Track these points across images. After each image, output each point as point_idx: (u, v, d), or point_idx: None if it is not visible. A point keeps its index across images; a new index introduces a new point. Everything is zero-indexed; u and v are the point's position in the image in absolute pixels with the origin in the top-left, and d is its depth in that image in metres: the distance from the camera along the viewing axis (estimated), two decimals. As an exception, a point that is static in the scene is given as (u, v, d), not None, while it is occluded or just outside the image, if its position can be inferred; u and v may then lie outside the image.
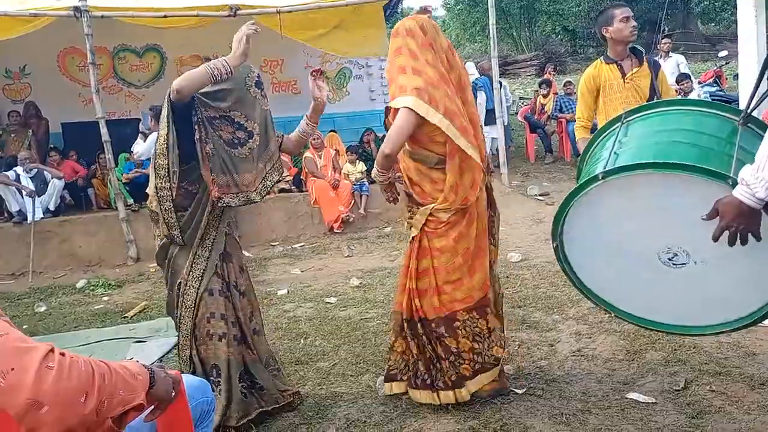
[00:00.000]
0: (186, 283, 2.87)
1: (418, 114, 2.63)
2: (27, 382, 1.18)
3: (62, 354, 1.25)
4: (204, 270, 2.88)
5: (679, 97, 5.35)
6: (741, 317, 2.09)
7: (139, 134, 6.05)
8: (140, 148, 5.65)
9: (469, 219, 2.80)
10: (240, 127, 2.81)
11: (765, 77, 2.07)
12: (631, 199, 2.05)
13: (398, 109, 2.67)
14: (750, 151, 1.96)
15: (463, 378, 2.86)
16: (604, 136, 2.36)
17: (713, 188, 1.81)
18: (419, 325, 2.88)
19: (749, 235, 1.69)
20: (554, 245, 2.23)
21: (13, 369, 1.18)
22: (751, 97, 2.08)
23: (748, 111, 2.05)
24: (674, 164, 1.90)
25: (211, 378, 2.83)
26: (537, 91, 11.33)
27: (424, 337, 2.88)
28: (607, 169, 2.00)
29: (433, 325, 2.85)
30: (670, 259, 2.06)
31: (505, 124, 10.21)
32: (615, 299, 2.29)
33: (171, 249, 2.91)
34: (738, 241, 1.70)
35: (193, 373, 2.78)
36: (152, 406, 1.47)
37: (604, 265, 2.23)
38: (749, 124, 2.06)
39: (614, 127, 2.31)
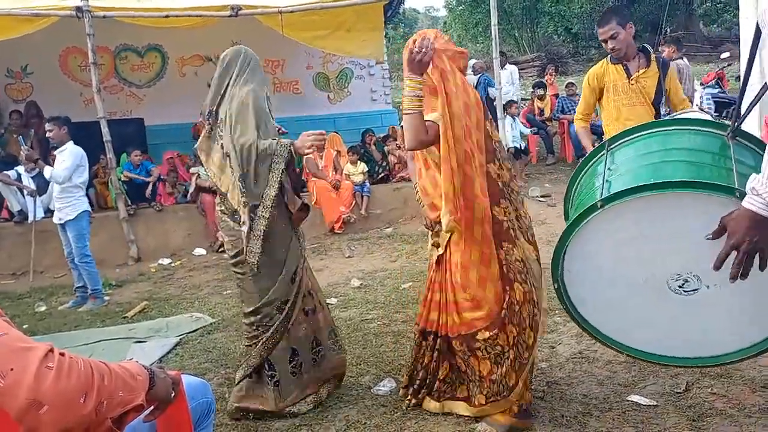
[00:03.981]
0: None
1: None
2: (26, 381, 1.18)
3: (62, 354, 1.25)
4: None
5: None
6: None
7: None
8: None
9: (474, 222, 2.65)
10: None
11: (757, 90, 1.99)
12: (633, 225, 1.92)
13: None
14: (746, 163, 1.88)
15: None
16: (589, 166, 2.26)
17: (719, 204, 1.70)
18: (438, 340, 2.78)
19: (756, 256, 1.54)
20: (555, 286, 2.08)
21: (12, 369, 1.18)
22: (737, 111, 2.00)
23: (736, 125, 1.97)
24: (675, 183, 1.80)
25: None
26: (533, 92, 11.32)
27: (437, 352, 2.79)
28: (604, 196, 1.88)
29: (456, 343, 2.71)
30: (680, 286, 1.93)
31: (516, 99, 10.39)
32: (628, 339, 2.12)
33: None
34: (742, 268, 1.55)
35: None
36: (152, 407, 1.46)
37: (612, 302, 2.07)
38: (737, 138, 1.98)
39: (599, 156, 2.20)
